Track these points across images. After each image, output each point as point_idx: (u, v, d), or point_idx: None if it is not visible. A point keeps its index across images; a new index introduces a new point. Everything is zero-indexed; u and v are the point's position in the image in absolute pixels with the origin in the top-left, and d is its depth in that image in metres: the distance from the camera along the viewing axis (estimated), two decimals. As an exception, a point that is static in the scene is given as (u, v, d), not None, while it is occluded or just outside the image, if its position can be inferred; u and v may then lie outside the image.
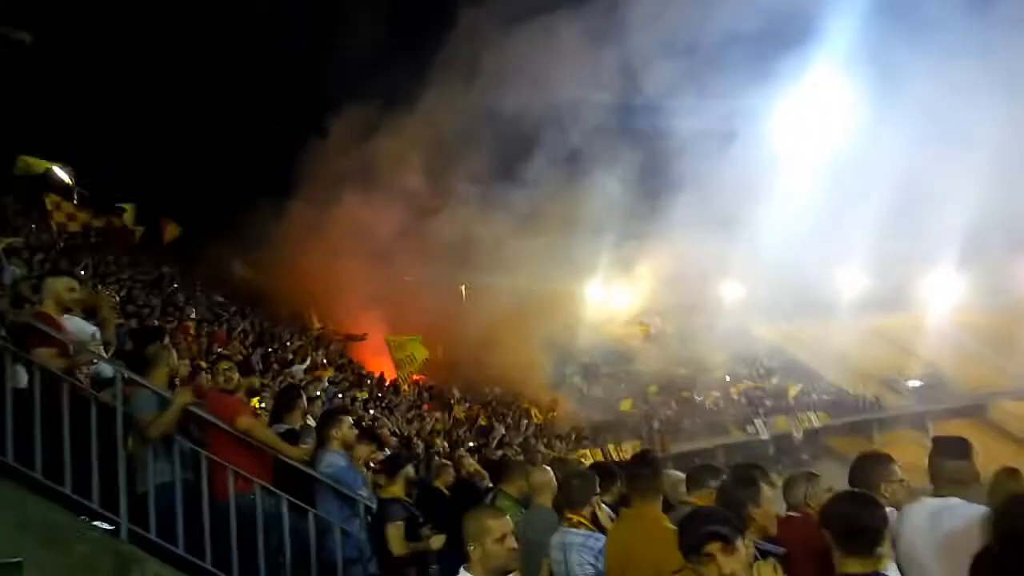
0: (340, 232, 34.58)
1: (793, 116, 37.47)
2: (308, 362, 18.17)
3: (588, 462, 23.67)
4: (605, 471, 5.38)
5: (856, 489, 3.47)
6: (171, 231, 25.39)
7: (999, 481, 3.46)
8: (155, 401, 5.20)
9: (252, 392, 7.14)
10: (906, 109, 34.38)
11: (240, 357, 12.92)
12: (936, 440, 3.69)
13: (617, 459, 26.74)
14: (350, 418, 5.94)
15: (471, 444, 18.52)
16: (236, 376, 5.93)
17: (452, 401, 25.89)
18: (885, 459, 3.56)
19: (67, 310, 5.50)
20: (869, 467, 3.57)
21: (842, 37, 35.24)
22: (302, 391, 7.05)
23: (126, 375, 5.23)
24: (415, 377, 26.18)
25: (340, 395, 16.72)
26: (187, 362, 9.94)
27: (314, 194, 36.52)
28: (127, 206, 21.52)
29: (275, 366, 15.81)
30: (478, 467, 9.87)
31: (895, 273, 38.14)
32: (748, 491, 3.75)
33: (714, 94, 36.14)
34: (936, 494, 3.61)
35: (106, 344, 5.83)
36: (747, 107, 37.12)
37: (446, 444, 16.79)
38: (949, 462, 3.64)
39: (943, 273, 38.65)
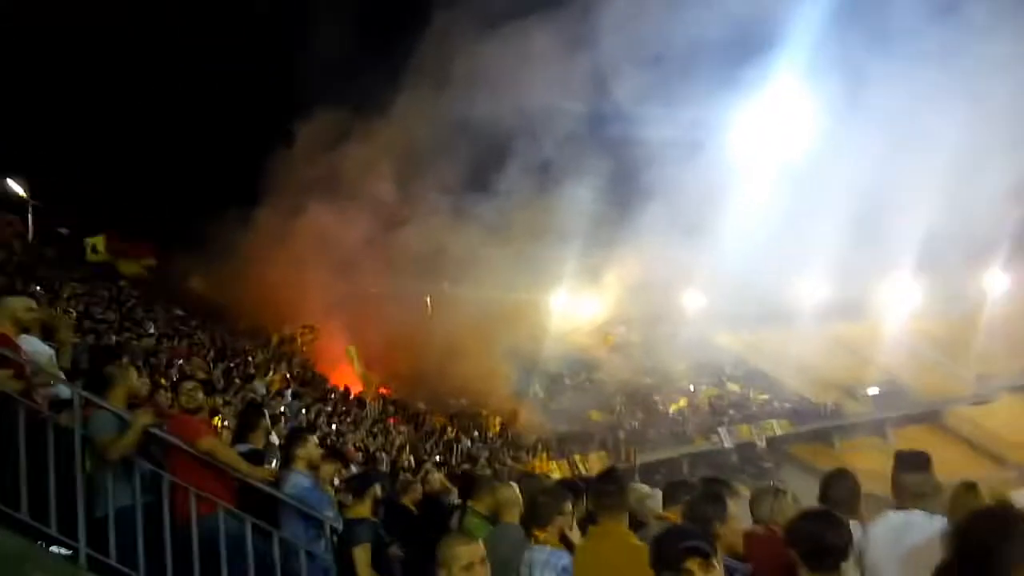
0: (305, 241, 34.23)
1: (755, 125, 37.98)
2: (270, 376, 17.98)
3: (555, 474, 23.77)
4: (571, 487, 5.37)
5: (822, 507, 3.52)
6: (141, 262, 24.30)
7: (959, 495, 3.53)
8: (114, 422, 5.08)
9: (213, 411, 7.00)
10: (865, 119, 35.07)
11: (202, 375, 12.73)
12: (897, 454, 3.77)
13: (583, 470, 26.82)
14: (315, 437, 5.87)
15: (437, 458, 18.45)
16: (200, 396, 5.83)
17: (419, 413, 25.79)
18: (854, 476, 3.63)
19: (24, 330, 5.37)
20: (842, 485, 3.65)
21: (804, 46, 35.90)
22: (265, 409, 6.95)
23: (84, 396, 5.12)
24: (381, 390, 26.06)
25: (304, 410, 16.56)
26: (147, 380, 9.81)
27: (279, 202, 36.20)
28: (95, 239, 20.57)
29: (237, 381, 15.59)
30: (445, 482, 9.82)
31: (854, 282, 38.85)
32: (715, 508, 3.78)
33: (677, 103, 36.52)
34: (899, 507, 3.69)
35: (62, 368, 5.71)
36: (710, 116, 37.60)
37: (412, 458, 16.70)
38: (910, 475, 3.72)
39: (900, 282, 39.47)
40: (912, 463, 3.76)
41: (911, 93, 33.75)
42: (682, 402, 37.45)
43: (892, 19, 34.91)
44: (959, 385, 39.70)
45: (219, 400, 9.65)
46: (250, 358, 19.73)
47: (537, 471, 17.73)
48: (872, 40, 34.96)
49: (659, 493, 5.39)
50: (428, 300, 36.68)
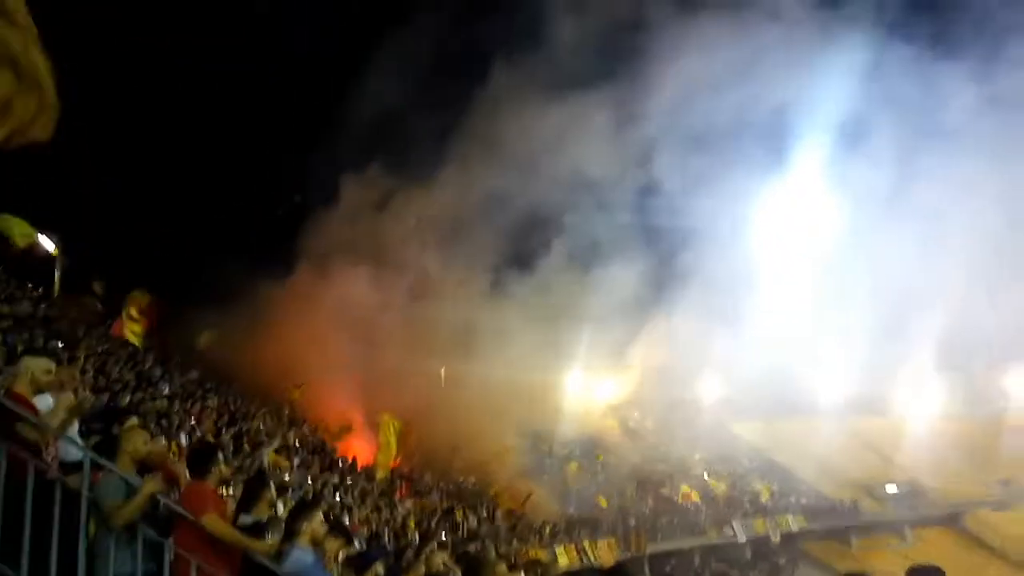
0: (328, 305, 34.22)
1: (789, 213, 38.28)
2: (278, 442, 17.83)
3: (562, 559, 23.20)
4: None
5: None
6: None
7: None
8: (122, 487, 5.06)
9: (222, 481, 6.96)
10: (901, 211, 35.27)
11: (211, 438, 12.73)
12: (911, 570, 3.65)
13: (592, 557, 26.20)
14: (320, 513, 5.80)
15: (442, 535, 18.10)
16: (222, 468, 5.81)
17: (426, 489, 25.41)
18: None
19: (39, 390, 5.42)
20: None
21: (846, 135, 36.60)
22: (270, 481, 6.90)
23: (93, 458, 5.13)
24: (393, 463, 25.75)
25: (311, 480, 16.40)
26: (159, 442, 9.79)
27: (305, 263, 36.48)
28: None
29: (246, 447, 15.51)
30: (449, 562, 9.63)
31: (877, 377, 38.36)
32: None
33: (715, 186, 37.28)
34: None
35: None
36: (745, 201, 38.17)
37: (416, 535, 16.40)
38: None
39: (924, 380, 38.87)
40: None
41: (953, 189, 33.98)
42: (693, 494, 36.60)
43: (946, 113, 35.33)
44: (981, 489, 38.73)
45: (227, 471, 9.57)
46: (260, 424, 19.63)
47: (541, 557, 17.37)
48: (920, 133, 35.40)
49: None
50: (443, 373, 36.46)
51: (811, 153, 37.02)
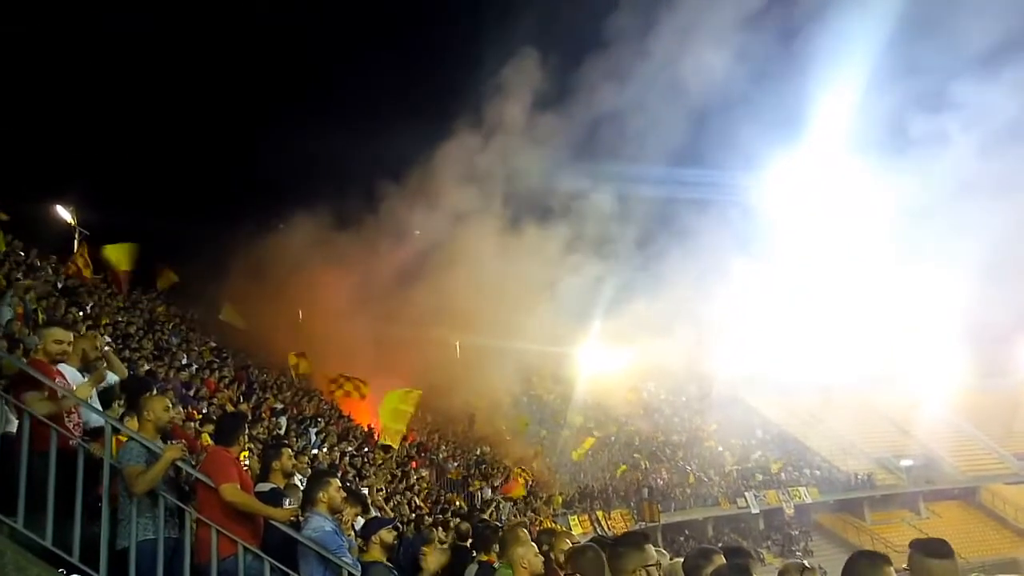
0: (345, 275, 34.24)
1: (802, 190, 37.81)
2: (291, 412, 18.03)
3: (576, 530, 23.35)
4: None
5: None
6: (166, 278, 24.91)
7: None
8: (144, 454, 5.13)
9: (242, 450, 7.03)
10: (917, 188, 34.80)
11: (230, 407, 12.87)
12: (913, 543, 3.57)
13: (606, 527, 26.40)
14: (337, 481, 5.85)
15: (457, 503, 18.31)
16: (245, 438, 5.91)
17: (440, 459, 25.61)
18: (881, 561, 3.47)
19: (61, 360, 5.50)
20: (864, 570, 3.49)
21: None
22: (286, 448, 6.93)
23: (115, 426, 5.21)
24: (411, 437, 25.84)
25: (328, 449, 16.56)
26: (179, 411, 9.93)
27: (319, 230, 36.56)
28: (122, 246, 20.29)
29: (264, 416, 15.69)
30: (463, 531, 9.72)
31: (892, 350, 38.13)
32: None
33: (716, 162, 37.00)
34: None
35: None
36: (752, 175, 37.81)
37: (429, 505, 16.59)
38: (931, 561, 3.52)
39: (940, 353, 38.51)
40: (934, 550, 3.55)
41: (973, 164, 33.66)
42: (709, 463, 36.71)
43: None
44: (997, 462, 38.61)
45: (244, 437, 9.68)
46: (277, 394, 19.83)
47: (556, 528, 17.50)
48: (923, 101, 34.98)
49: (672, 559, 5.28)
50: (458, 345, 36.54)
51: (830, 126, 36.53)
